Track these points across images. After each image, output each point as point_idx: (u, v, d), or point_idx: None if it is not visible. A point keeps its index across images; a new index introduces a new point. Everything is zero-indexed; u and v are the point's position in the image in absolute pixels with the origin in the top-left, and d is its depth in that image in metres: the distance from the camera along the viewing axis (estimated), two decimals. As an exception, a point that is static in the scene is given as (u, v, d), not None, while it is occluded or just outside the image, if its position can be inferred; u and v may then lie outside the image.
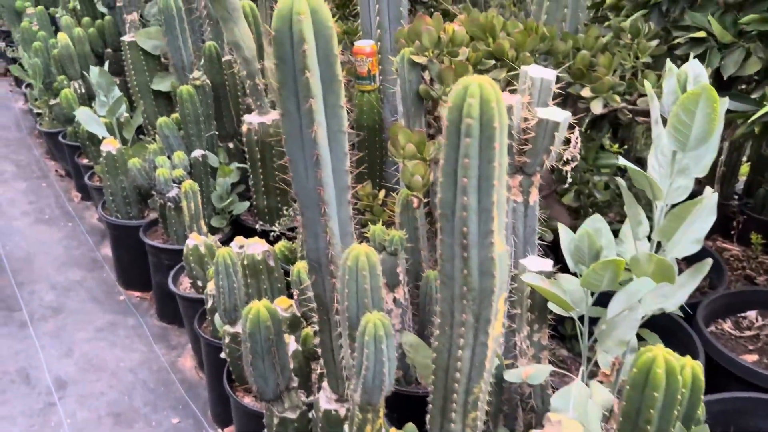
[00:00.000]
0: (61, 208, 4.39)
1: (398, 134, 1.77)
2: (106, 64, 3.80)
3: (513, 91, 1.68)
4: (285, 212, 3.20)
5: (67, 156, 4.50)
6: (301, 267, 1.83)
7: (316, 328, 1.66)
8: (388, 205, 2.42)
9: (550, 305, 1.55)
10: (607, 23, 2.88)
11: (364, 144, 2.77)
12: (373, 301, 1.29)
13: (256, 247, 2.45)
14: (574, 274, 1.55)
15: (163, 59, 4.17)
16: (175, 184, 2.97)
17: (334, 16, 3.29)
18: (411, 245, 1.99)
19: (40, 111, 4.60)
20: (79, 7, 5.08)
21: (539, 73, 1.57)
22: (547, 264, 1.56)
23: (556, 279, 1.55)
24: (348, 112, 1.38)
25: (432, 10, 3.52)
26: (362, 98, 2.69)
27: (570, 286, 1.49)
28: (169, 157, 3.05)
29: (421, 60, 1.81)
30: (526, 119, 1.58)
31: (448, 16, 3.54)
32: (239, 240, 2.74)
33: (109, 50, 4.58)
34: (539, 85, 1.57)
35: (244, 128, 3.08)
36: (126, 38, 3.99)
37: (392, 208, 2.31)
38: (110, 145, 3.17)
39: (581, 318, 1.52)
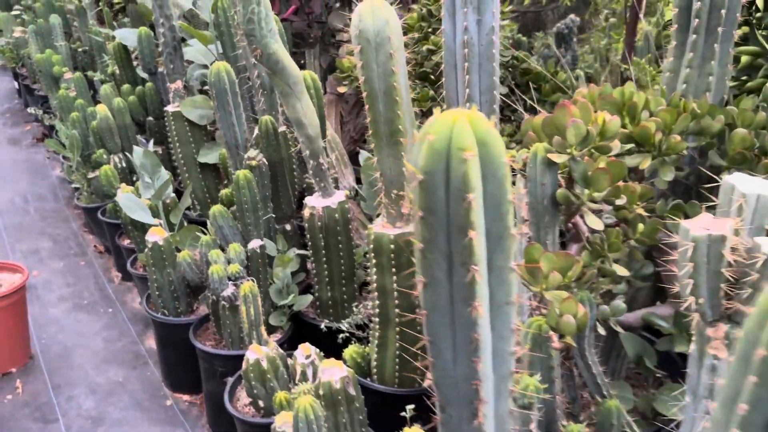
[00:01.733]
0: (101, 290, 4.04)
1: (539, 259, 1.34)
2: (150, 141, 3.47)
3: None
4: (354, 308, 2.79)
5: (107, 234, 4.17)
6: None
7: None
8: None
9: None
10: (734, 83, 2.45)
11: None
12: None
13: (332, 372, 2.03)
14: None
15: (209, 127, 3.85)
16: (230, 281, 2.58)
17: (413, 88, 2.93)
18: (546, 394, 1.55)
19: (77, 186, 4.30)
20: (118, 71, 4.83)
21: (753, 187, 1.14)
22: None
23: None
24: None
25: (511, 69, 3.13)
26: (450, 183, 2.28)
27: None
28: (223, 249, 2.67)
29: (561, 159, 1.39)
30: (734, 249, 1.14)
31: (529, 75, 3.14)
32: (305, 348, 2.34)
33: (150, 119, 4.29)
34: (754, 205, 1.13)
35: (306, 213, 2.70)
36: (170, 108, 3.68)
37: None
38: (157, 236, 2.80)
39: None
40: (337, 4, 3.95)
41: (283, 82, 2.50)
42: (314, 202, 2.69)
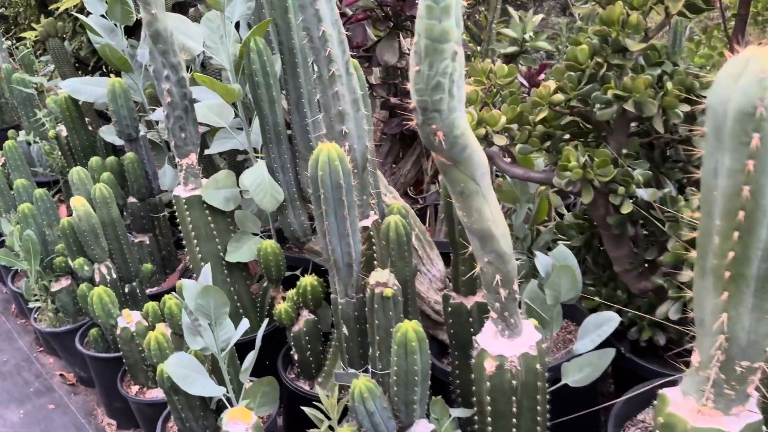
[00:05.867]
0: (94, 452, 2.87)
1: None
2: (207, 265, 2.36)
3: None
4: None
5: (87, 364, 2.99)
6: None
7: None
8: None
9: None
10: None
11: None
12: None
13: None
14: None
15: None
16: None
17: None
18: None
19: (37, 304, 3.07)
20: (65, 133, 3.63)
21: None
22: None
23: None
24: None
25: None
26: None
27: None
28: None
29: None
30: None
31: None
32: None
33: (133, 200, 3.14)
34: None
35: (489, 368, 1.72)
36: (182, 192, 2.59)
37: None
38: (242, 424, 1.75)
39: None
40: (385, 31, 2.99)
41: (466, 175, 1.53)
42: (500, 349, 1.73)
